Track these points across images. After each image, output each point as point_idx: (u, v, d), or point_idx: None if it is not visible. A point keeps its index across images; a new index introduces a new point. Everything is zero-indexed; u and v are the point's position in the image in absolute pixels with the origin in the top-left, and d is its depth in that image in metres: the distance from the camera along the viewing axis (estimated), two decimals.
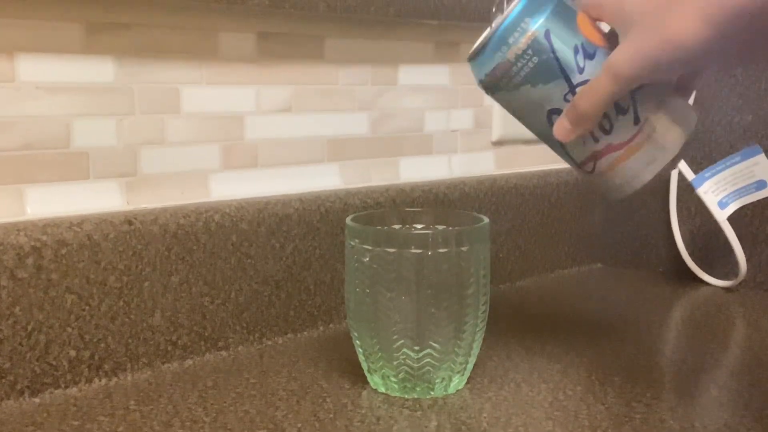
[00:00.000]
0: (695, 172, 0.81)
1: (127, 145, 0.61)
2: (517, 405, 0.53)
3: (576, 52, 0.48)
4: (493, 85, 0.50)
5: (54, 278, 0.54)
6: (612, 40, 0.48)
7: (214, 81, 0.65)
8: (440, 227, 0.59)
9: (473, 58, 0.50)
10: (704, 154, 0.85)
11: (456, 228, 0.55)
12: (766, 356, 0.63)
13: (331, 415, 0.52)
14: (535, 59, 0.48)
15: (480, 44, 0.50)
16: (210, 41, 0.65)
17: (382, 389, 0.55)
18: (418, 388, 0.54)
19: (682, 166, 0.82)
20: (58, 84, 0.57)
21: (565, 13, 0.49)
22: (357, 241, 0.54)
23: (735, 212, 0.79)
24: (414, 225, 0.59)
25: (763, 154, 0.76)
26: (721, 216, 0.79)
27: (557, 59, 0.48)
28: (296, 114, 0.71)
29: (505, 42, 0.48)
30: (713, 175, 0.79)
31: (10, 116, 0.56)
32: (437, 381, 0.54)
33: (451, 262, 0.52)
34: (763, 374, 0.59)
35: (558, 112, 0.49)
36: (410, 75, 0.79)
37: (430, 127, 0.81)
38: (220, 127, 0.66)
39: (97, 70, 0.59)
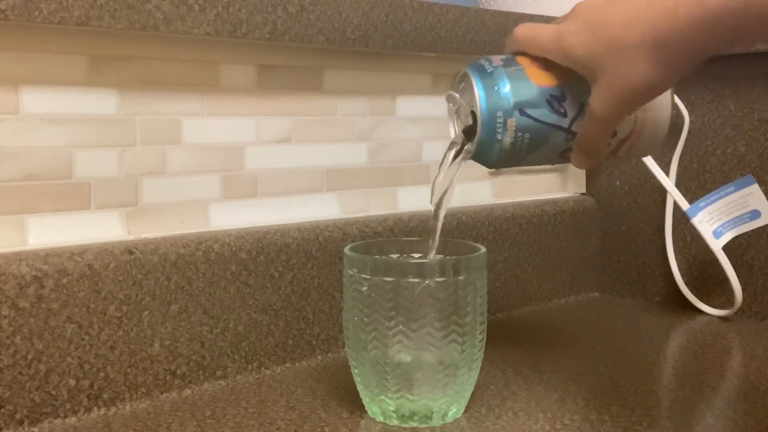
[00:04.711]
0: (690, 201, 0.82)
1: (128, 176, 0.62)
2: None
3: (550, 104, 0.51)
4: (506, 165, 0.54)
5: (54, 308, 0.54)
6: (556, 68, 0.51)
7: (214, 112, 0.66)
8: (438, 256, 0.59)
9: (477, 159, 0.54)
10: (699, 184, 0.85)
11: (453, 257, 0.56)
12: (762, 385, 0.63)
13: None
14: (527, 134, 0.51)
15: (474, 147, 0.53)
16: (211, 73, 0.66)
17: (380, 418, 0.55)
18: (416, 417, 0.54)
19: (678, 196, 0.83)
20: (61, 115, 0.58)
21: (518, 80, 0.51)
22: (355, 270, 0.54)
23: (730, 242, 0.79)
24: (412, 254, 0.60)
25: (756, 184, 0.77)
26: (716, 245, 0.79)
27: (543, 122, 0.51)
28: (295, 144, 0.72)
29: (494, 138, 0.51)
30: (708, 204, 0.80)
31: (13, 147, 0.56)
32: (435, 410, 0.54)
33: (448, 291, 0.53)
34: (760, 403, 0.59)
35: (568, 149, 0.53)
36: (408, 106, 0.80)
37: (428, 157, 0.82)
38: (221, 158, 0.67)
39: (100, 102, 0.60)
